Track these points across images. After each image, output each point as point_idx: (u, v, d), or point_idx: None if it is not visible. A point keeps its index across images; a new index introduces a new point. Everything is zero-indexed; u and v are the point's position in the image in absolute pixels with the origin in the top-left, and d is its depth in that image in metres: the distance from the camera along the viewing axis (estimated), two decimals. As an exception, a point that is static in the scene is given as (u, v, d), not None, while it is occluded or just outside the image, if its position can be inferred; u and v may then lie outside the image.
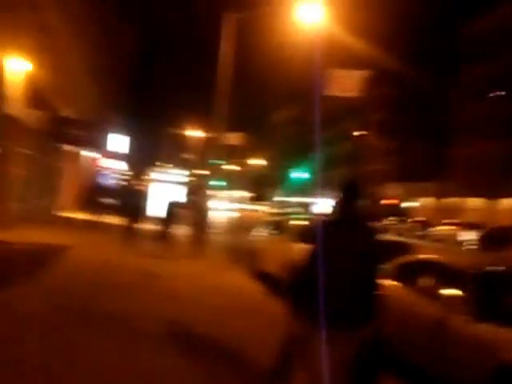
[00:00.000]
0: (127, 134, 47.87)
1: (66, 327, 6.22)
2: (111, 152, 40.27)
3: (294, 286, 3.75)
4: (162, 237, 15.60)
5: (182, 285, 10.09)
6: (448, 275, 5.79)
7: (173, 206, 16.18)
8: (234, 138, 15.43)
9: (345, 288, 3.54)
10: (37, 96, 16.40)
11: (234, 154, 50.18)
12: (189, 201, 25.27)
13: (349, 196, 3.74)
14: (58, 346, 5.52)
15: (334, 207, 3.84)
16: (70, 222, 20.61)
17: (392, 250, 8.79)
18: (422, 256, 6.77)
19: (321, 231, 3.68)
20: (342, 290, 3.54)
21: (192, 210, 17.23)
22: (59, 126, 19.71)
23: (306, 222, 11.83)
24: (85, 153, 30.03)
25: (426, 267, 6.25)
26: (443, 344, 5.25)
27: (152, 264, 12.19)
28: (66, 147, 23.43)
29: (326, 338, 3.49)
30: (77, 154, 27.23)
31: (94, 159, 34.80)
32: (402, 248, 9.29)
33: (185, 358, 5.62)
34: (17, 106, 14.50)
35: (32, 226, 16.11)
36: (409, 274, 6.49)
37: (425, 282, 6.10)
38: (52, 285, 8.53)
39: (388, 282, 6.59)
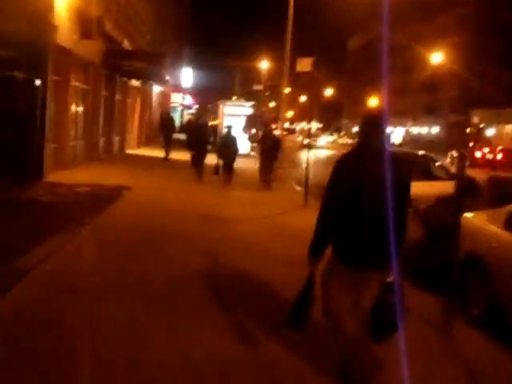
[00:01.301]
0: (195, 68, 46.48)
1: (105, 292, 4.86)
2: (179, 86, 39.12)
3: (321, 221, 3.39)
4: (227, 172, 14.40)
5: (249, 229, 8.55)
6: None
7: (229, 138, 14.70)
8: (305, 63, 13.36)
9: (368, 223, 3.27)
10: (92, 26, 14.93)
11: (306, 82, 47.51)
12: (259, 133, 23.94)
13: (372, 128, 3.39)
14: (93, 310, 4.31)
15: (357, 141, 3.53)
16: (135, 159, 19.70)
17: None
18: None
19: (340, 165, 3.39)
20: (365, 226, 3.28)
21: (262, 142, 15.84)
22: (120, 59, 18.24)
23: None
24: (152, 87, 28.84)
25: None
26: None
27: (217, 204, 10.85)
28: (131, 82, 22.18)
29: (350, 276, 3.36)
30: (143, 89, 25.99)
31: (162, 94, 33.64)
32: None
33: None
34: (70, 37, 13.11)
35: (94, 166, 15.16)
36: None
37: None
38: (99, 234, 7.25)
39: (498, 232, 5.17)
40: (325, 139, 57.67)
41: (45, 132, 11.89)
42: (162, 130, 21.11)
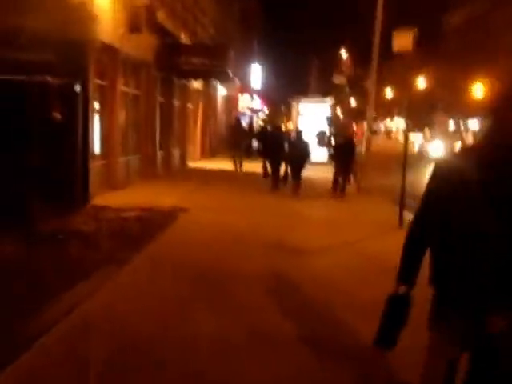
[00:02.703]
0: (265, 65, 45.65)
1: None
2: (247, 87, 38.31)
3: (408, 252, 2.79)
4: (295, 180, 14.24)
5: (328, 263, 7.23)
6: None
7: (300, 143, 14.65)
8: (404, 40, 11.55)
9: (487, 256, 2.42)
10: (141, 16, 14.19)
11: (403, 66, 45.15)
12: (333, 137, 22.74)
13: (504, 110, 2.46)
14: None
15: (482, 130, 2.71)
16: (198, 174, 18.91)
17: None
18: None
19: (447, 168, 2.61)
20: (483, 259, 2.44)
21: (335, 146, 15.74)
22: (176, 56, 17.45)
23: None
24: (217, 90, 28.16)
25: None
26: None
27: (289, 226, 9.72)
28: (191, 84, 21.52)
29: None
30: (206, 92, 25.32)
31: (229, 97, 32.93)
32: None
33: None
34: (114, 31, 12.41)
35: (150, 184, 14.39)
36: None
37: None
38: (138, 277, 6.26)
39: None
40: (439, 145, 35.33)
41: (89, 147, 11.20)
42: (231, 138, 20.57)
